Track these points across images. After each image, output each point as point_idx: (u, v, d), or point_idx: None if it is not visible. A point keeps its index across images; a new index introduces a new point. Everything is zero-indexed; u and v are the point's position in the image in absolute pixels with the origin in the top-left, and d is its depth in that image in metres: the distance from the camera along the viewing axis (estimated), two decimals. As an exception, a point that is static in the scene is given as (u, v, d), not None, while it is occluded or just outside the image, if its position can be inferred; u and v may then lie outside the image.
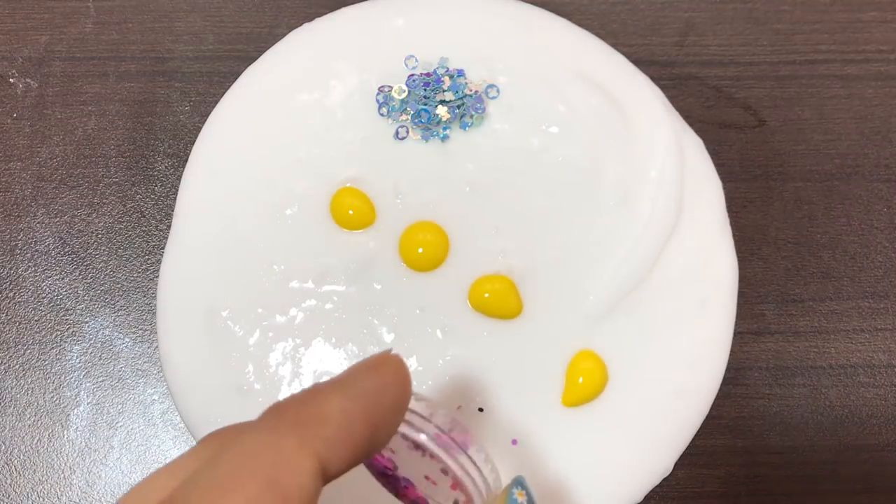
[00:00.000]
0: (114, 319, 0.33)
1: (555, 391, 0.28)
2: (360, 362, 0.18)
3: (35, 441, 0.33)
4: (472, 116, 0.29)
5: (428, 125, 0.29)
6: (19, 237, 0.34)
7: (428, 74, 0.30)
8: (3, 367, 0.33)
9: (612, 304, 0.28)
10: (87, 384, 0.33)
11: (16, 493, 0.32)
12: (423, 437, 0.21)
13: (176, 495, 0.15)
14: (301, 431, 0.16)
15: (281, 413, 0.16)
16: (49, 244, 0.34)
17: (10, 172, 0.35)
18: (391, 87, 0.29)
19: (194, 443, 0.29)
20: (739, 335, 0.31)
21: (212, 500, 0.14)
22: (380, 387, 0.17)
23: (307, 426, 0.16)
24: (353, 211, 0.29)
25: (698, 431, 0.29)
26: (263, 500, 0.14)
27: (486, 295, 0.28)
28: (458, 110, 0.29)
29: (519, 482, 0.22)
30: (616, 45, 0.31)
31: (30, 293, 0.34)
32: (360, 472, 0.21)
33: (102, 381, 0.33)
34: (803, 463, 0.33)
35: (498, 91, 0.30)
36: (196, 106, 0.35)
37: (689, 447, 0.29)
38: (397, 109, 0.29)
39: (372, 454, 0.18)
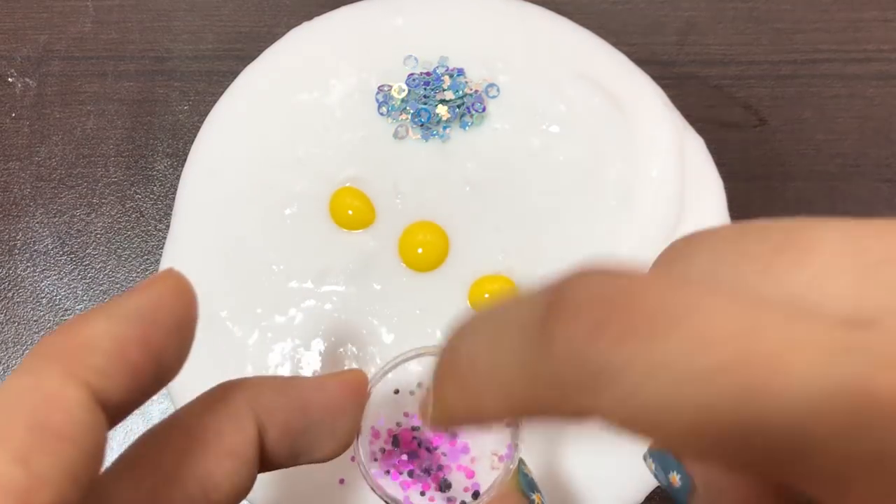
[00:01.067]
0: (113, 319, 0.33)
1: (555, 392, 0.28)
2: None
3: (34, 442, 0.32)
4: (472, 116, 0.29)
5: (428, 124, 0.29)
6: (18, 237, 0.34)
7: (428, 73, 0.29)
8: (1, 368, 0.33)
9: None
10: (86, 384, 0.33)
11: (14, 493, 0.32)
12: None
13: None
14: (65, 365, 0.14)
15: (41, 351, 0.15)
16: (48, 244, 0.34)
17: (8, 172, 0.35)
18: (391, 87, 0.29)
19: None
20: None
21: None
22: (154, 305, 0.16)
23: (72, 358, 0.15)
24: (352, 211, 0.29)
25: (699, 432, 0.29)
26: (35, 447, 0.13)
27: (487, 295, 0.28)
28: (458, 110, 0.29)
29: (523, 461, 0.23)
30: (617, 45, 0.31)
31: (28, 293, 0.34)
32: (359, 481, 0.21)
33: (101, 381, 0.33)
34: (804, 463, 0.33)
35: (498, 90, 0.30)
36: (195, 105, 0.35)
37: (690, 448, 0.29)
38: (397, 109, 0.29)
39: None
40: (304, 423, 0.18)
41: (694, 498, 0.18)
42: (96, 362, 0.15)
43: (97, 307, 0.16)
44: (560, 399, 0.12)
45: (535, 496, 0.21)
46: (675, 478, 0.19)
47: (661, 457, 0.20)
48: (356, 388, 0.20)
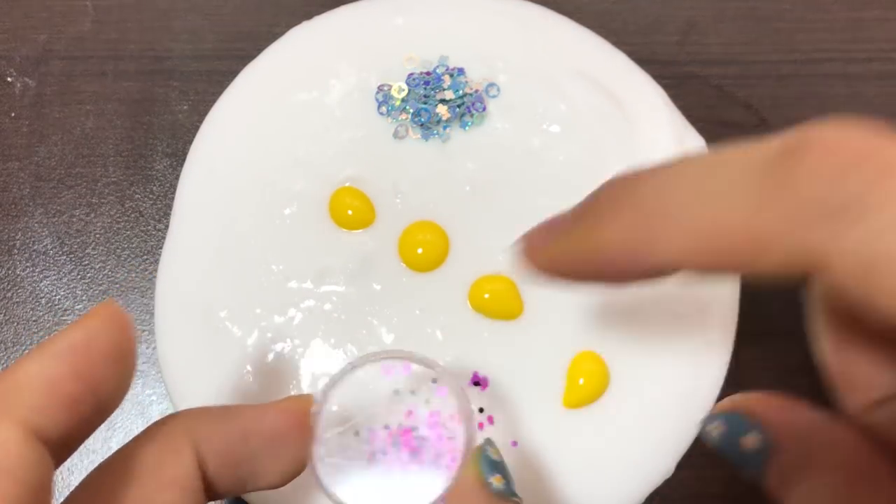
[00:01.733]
0: (112, 320, 0.33)
1: (556, 392, 0.28)
2: None
3: (33, 442, 0.32)
4: (472, 115, 0.29)
5: (428, 124, 0.29)
6: (17, 237, 0.34)
7: (428, 73, 0.29)
8: (0, 368, 0.33)
9: (614, 304, 0.28)
10: (85, 385, 0.33)
11: (13, 494, 0.32)
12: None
13: None
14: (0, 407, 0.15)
15: None
16: (47, 244, 0.34)
17: (7, 172, 0.34)
18: (390, 86, 0.29)
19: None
20: (741, 335, 0.31)
21: None
22: (87, 339, 0.16)
23: (5, 400, 0.15)
24: (352, 211, 0.29)
25: (700, 432, 0.29)
26: None
27: (487, 295, 0.28)
28: (458, 109, 0.29)
29: (490, 441, 0.22)
30: (617, 44, 0.31)
31: (27, 293, 0.33)
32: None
33: (100, 381, 0.33)
34: (806, 464, 0.33)
35: (498, 90, 0.30)
36: (195, 105, 0.35)
37: (690, 448, 0.28)
38: (397, 108, 0.29)
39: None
40: (244, 452, 0.19)
41: (773, 462, 0.17)
42: (30, 400, 0.15)
43: (30, 350, 0.16)
44: (787, 236, 0.11)
45: (493, 478, 0.21)
46: (752, 440, 0.18)
47: (733, 418, 0.18)
48: (298, 416, 0.20)
